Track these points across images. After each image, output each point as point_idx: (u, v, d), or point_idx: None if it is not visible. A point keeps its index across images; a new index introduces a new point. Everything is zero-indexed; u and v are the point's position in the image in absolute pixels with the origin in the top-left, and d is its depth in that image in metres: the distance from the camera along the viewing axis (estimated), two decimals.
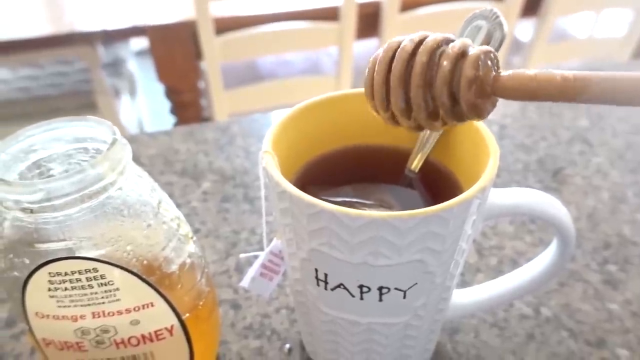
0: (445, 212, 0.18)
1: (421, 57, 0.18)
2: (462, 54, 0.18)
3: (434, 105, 0.19)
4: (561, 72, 0.16)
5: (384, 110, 0.20)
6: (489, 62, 0.18)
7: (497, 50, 0.22)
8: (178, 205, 0.39)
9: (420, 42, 0.19)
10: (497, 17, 0.22)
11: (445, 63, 0.18)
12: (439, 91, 0.18)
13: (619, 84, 0.16)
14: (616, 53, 1.30)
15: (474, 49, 0.18)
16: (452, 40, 0.19)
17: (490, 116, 0.49)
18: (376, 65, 0.20)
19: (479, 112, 0.18)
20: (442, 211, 0.18)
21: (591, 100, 0.16)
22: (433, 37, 0.19)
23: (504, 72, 0.18)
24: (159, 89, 1.20)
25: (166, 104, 1.22)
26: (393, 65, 0.19)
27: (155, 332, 0.22)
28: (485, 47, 0.18)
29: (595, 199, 0.38)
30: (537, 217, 0.22)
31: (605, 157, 0.43)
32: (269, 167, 0.20)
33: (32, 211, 0.18)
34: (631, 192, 0.39)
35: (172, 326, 0.22)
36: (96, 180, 0.18)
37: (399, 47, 0.19)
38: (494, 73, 0.18)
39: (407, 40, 0.19)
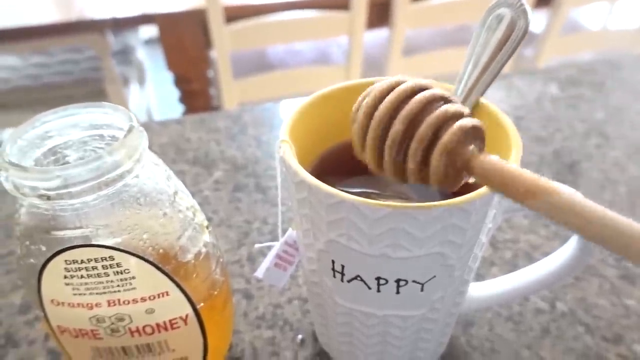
0: (468, 204, 0.18)
1: (414, 104, 0.17)
2: (452, 118, 0.17)
3: (404, 158, 0.18)
4: (536, 177, 0.15)
5: (361, 148, 0.19)
6: (474, 138, 0.17)
7: (521, 38, 0.21)
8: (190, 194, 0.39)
9: (420, 89, 0.18)
10: (522, 4, 0.21)
11: (431, 119, 0.17)
12: (415, 144, 0.17)
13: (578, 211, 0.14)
14: (629, 45, 1.28)
15: (466, 119, 0.17)
16: (450, 101, 0.18)
17: (506, 107, 0.48)
18: (365, 99, 0.19)
19: (442, 181, 0.17)
20: (465, 203, 0.18)
21: (546, 212, 0.15)
22: (434, 90, 0.18)
23: (484, 155, 0.17)
24: (168, 77, 1.20)
25: (175, 93, 1.22)
26: (384, 101, 0.18)
27: (170, 321, 0.22)
28: (476, 121, 0.17)
29: (612, 193, 0.37)
30: None
31: (622, 150, 0.42)
32: (287, 156, 0.20)
33: (48, 198, 0.18)
34: None
35: (186, 315, 0.22)
36: (113, 168, 0.18)
37: (395, 86, 0.18)
38: (473, 150, 0.17)
39: (407, 83, 0.18)
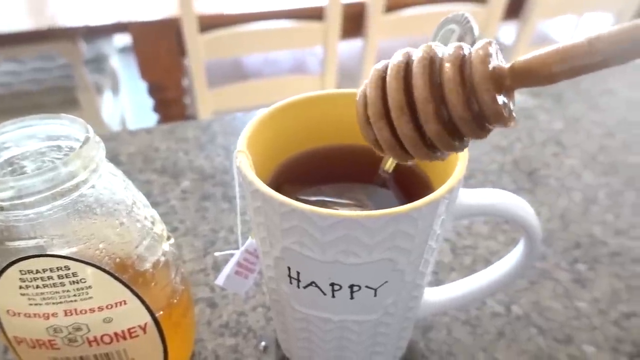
0: (414, 211, 0.19)
1: (419, 71, 0.16)
2: (462, 57, 0.16)
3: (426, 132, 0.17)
4: (578, 40, 0.15)
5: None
6: (496, 53, 0.16)
7: None
8: (157, 204, 0.39)
9: (407, 62, 0.17)
10: (468, 22, 0.23)
11: (448, 69, 0.16)
12: (454, 104, 0.16)
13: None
14: None
15: (474, 46, 0.16)
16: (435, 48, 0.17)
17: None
18: (368, 102, 0.18)
19: (503, 114, 0.16)
20: (411, 211, 0.18)
21: (615, 60, 0.14)
22: (418, 50, 0.17)
23: (517, 60, 0.16)
24: (143, 86, 1.20)
25: (150, 102, 1.21)
26: (389, 94, 0.17)
27: (129, 329, 0.22)
28: (485, 40, 0.17)
29: (568, 200, 0.39)
30: (504, 217, 0.22)
31: (578, 159, 0.44)
32: (243, 166, 0.21)
33: (2, 209, 0.18)
34: (602, 193, 0.40)
35: (145, 324, 0.22)
36: (68, 178, 0.18)
37: (384, 75, 0.17)
38: (505, 63, 0.16)
39: (392, 65, 0.17)
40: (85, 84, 1.17)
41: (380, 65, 0.18)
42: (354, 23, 1.11)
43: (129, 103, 1.68)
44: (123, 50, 1.82)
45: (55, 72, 1.28)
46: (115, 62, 1.53)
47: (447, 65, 0.16)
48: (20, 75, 1.29)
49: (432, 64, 0.17)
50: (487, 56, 0.16)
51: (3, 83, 1.26)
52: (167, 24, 1.06)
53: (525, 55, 0.16)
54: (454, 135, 0.17)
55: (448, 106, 0.16)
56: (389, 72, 0.17)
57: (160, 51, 1.10)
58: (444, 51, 0.17)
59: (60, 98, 1.23)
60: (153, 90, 1.18)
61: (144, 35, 1.08)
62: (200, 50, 0.98)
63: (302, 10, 1.10)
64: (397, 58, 0.18)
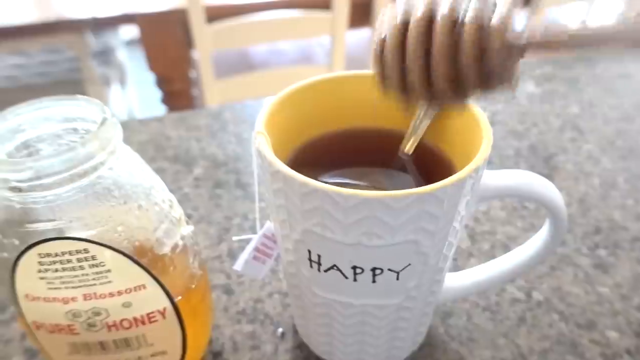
0: (440, 191, 0.18)
1: (441, 35, 0.18)
2: (482, 22, 0.18)
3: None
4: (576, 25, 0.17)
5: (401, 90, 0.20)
6: (514, 20, 0.18)
7: None
8: (170, 192, 0.38)
9: (429, 15, 0.18)
10: None
11: (467, 35, 0.18)
12: (467, 67, 0.18)
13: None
14: None
15: (495, 14, 0.18)
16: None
17: (481, 102, 0.49)
18: (386, 48, 0.20)
19: (512, 81, 0.19)
20: (437, 190, 0.18)
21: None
22: (444, 8, 0.18)
23: (531, 28, 0.18)
24: (150, 78, 1.19)
25: (157, 94, 1.21)
26: (408, 46, 0.19)
27: (148, 314, 0.22)
28: (505, 6, 0.18)
29: (586, 185, 0.38)
30: (529, 198, 0.22)
31: (596, 144, 0.43)
32: (262, 147, 0.20)
33: (20, 190, 0.18)
34: (622, 178, 0.39)
35: (164, 309, 0.22)
36: (86, 159, 0.18)
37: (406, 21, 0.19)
38: (522, 27, 0.18)
39: (415, 18, 0.19)
40: (92, 77, 1.17)
41: (398, 12, 0.19)
42: (361, 12, 1.10)
43: (136, 95, 1.68)
44: (130, 43, 1.82)
45: (63, 65, 1.28)
46: (123, 54, 1.53)
47: (466, 28, 0.18)
48: (27, 68, 1.29)
49: (454, 25, 0.18)
50: (505, 25, 0.18)
51: (10, 76, 1.26)
52: (174, 15, 1.06)
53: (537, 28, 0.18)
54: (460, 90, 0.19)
55: (460, 65, 0.18)
56: (410, 30, 0.19)
57: (167, 43, 1.10)
58: (467, 8, 0.18)
59: (68, 91, 1.22)
60: (160, 83, 1.17)
61: (151, 26, 1.07)
62: (207, 41, 0.98)
63: (309, 0, 1.09)
64: (421, 11, 0.19)
